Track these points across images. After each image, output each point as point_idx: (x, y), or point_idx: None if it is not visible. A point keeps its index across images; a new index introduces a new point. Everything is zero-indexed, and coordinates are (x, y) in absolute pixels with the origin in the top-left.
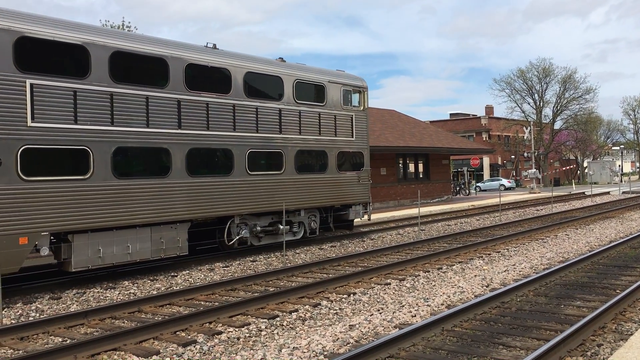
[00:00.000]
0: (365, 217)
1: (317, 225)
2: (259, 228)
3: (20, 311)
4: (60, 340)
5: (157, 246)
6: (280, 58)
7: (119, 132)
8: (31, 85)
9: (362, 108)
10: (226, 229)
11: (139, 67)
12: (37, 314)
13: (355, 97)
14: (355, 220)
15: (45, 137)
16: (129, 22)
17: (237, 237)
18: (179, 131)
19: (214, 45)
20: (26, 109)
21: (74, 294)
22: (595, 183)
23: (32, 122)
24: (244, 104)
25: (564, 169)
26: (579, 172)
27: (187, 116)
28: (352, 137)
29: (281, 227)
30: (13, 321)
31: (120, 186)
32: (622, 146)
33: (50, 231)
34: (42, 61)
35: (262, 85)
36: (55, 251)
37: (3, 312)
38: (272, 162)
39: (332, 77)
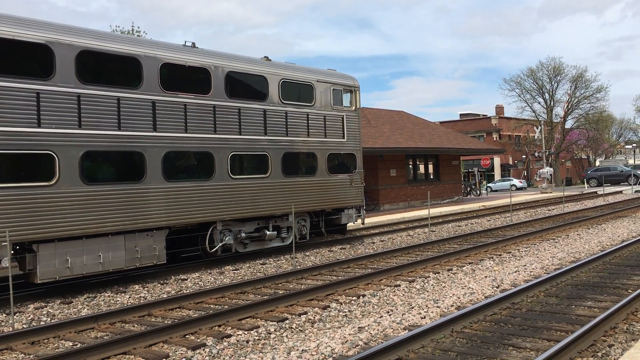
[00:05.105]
0: (359, 221)
1: (307, 231)
2: (244, 234)
3: (31, 316)
4: (70, 344)
5: (131, 255)
6: (265, 57)
7: (87, 136)
8: None
9: (353, 108)
10: (208, 236)
11: (109, 67)
12: (49, 319)
13: (347, 97)
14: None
15: (3, 142)
16: (139, 27)
17: (220, 244)
18: (154, 134)
19: (193, 43)
20: None
21: (85, 299)
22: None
23: None
24: (225, 105)
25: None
26: None
27: (163, 118)
28: (344, 139)
29: (268, 232)
30: (24, 325)
31: (89, 192)
32: (634, 145)
33: (11, 241)
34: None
35: (245, 85)
36: (20, 262)
37: (15, 316)
38: (256, 165)
39: (321, 76)
